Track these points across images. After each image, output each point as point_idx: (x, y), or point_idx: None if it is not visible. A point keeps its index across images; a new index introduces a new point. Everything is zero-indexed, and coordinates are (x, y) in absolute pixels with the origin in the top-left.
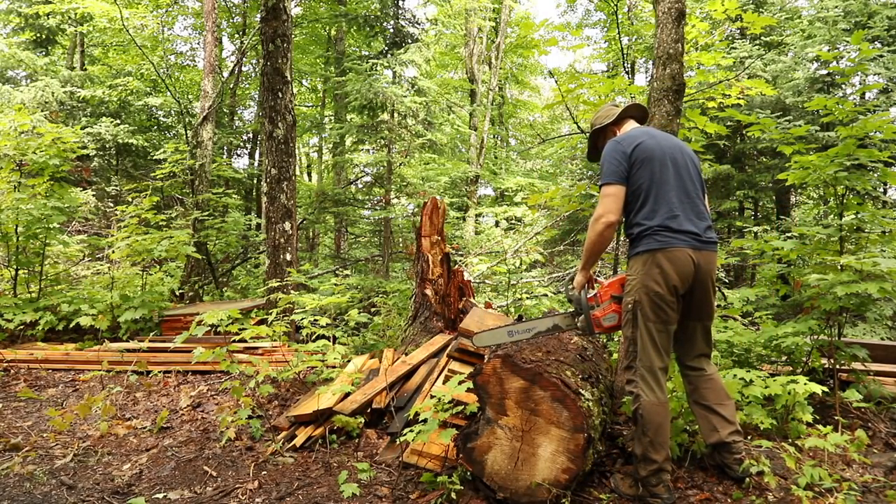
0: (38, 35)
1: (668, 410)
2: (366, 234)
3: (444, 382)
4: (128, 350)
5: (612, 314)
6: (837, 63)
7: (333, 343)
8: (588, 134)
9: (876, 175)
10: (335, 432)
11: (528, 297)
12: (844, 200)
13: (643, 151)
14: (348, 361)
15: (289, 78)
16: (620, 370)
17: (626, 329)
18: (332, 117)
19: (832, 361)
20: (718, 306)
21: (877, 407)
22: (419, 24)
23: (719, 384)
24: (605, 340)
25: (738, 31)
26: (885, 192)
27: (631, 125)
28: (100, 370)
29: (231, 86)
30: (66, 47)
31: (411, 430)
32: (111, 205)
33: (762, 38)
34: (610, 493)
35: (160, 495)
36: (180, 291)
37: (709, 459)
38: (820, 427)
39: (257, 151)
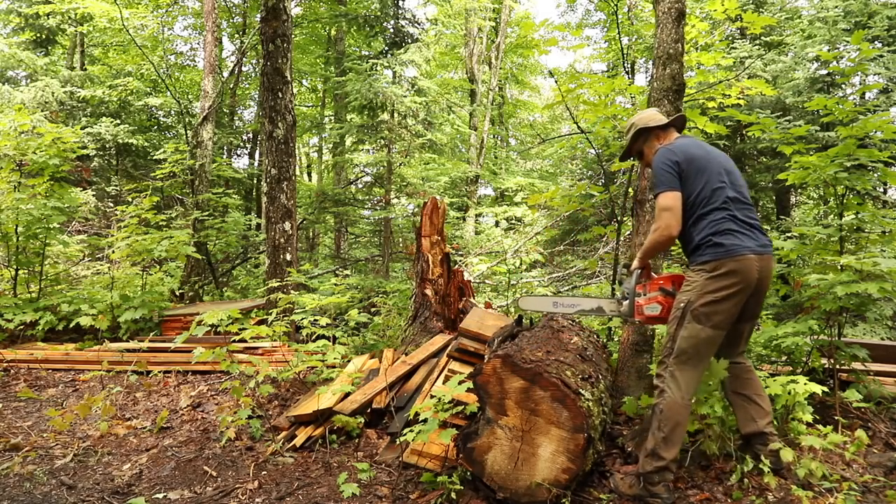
0: (38, 35)
1: (688, 413)
2: (366, 234)
3: (444, 382)
4: (128, 350)
5: (656, 304)
6: (837, 63)
7: (333, 343)
8: (630, 133)
9: (876, 175)
10: (335, 432)
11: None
12: (844, 200)
13: (697, 160)
14: (348, 361)
15: (289, 78)
16: (620, 370)
17: (671, 325)
18: (332, 117)
19: (832, 361)
20: None
21: (877, 407)
22: (419, 24)
23: (755, 376)
24: (605, 340)
25: (738, 31)
26: (885, 192)
27: (674, 135)
28: (100, 370)
29: (231, 86)
30: (66, 47)
31: (411, 430)
32: (111, 205)
33: (762, 38)
34: (609, 493)
35: (160, 495)
36: (180, 291)
37: (740, 451)
38: (820, 427)
39: (257, 151)
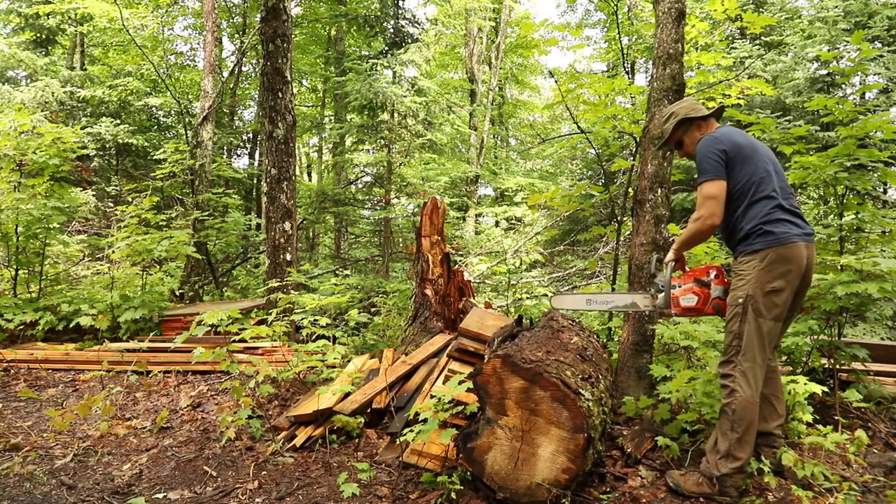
0: (38, 35)
1: (758, 410)
2: (366, 234)
3: (444, 382)
4: (128, 350)
5: (692, 295)
6: (837, 63)
7: (333, 343)
8: (671, 122)
9: (876, 175)
10: (335, 432)
11: (528, 297)
12: (844, 200)
13: (744, 149)
14: (348, 361)
15: (289, 78)
16: (620, 370)
17: (732, 322)
18: (332, 117)
19: (832, 361)
20: None
21: (877, 407)
22: (419, 24)
23: (779, 376)
24: (605, 340)
25: (738, 31)
26: (885, 192)
27: (715, 125)
28: (100, 370)
29: (231, 86)
30: (66, 47)
31: (411, 430)
32: (111, 205)
33: (762, 38)
34: (609, 493)
35: (160, 495)
36: (180, 291)
37: None
38: (820, 427)
39: (257, 151)
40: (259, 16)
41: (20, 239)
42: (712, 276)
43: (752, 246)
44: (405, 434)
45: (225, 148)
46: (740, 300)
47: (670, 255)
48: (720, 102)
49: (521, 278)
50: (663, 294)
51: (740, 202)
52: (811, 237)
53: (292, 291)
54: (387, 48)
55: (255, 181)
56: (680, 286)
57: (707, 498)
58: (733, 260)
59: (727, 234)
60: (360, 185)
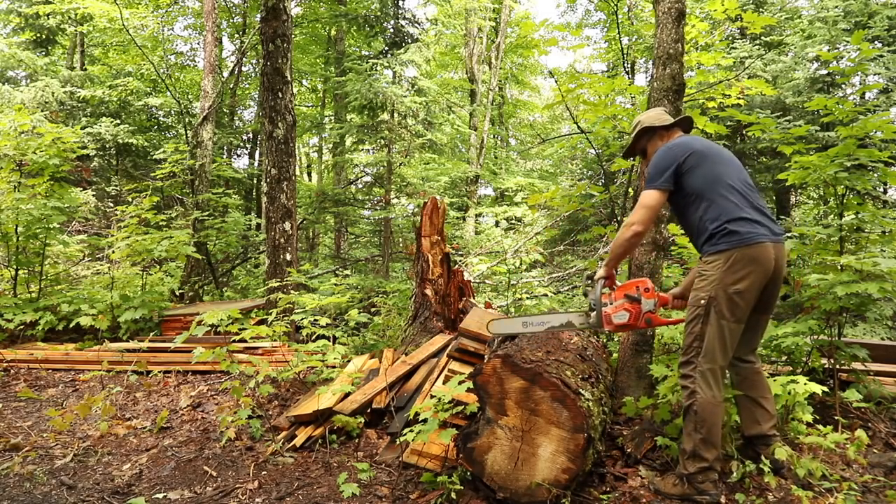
0: (38, 35)
1: (723, 410)
2: (366, 234)
3: (444, 382)
4: (128, 350)
5: (623, 312)
6: (837, 63)
7: (333, 343)
8: (635, 130)
9: (876, 175)
10: (335, 432)
11: (528, 297)
12: (844, 200)
13: (698, 153)
14: (348, 361)
15: (289, 78)
16: (620, 370)
17: (693, 324)
18: (332, 117)
19: (832, 361)
20: None
21: (877, 407)
22: (419, 24)
23: (764, 377)
24: (604, 340)
25: (738, 31)
26: (885, 192)
27: (678, 135)
28: (100, 370)
29: (231, 86)
30: (66, 47)
31: (411, 430)
32: (111, 205)
33: (762, 38)
34: (609, 493)
35: (160, 495)
36: (180, 291)
37: (742, 452)
38: (820, 427)
39: (257, 151)
40: (259, 16)
41: (20, 239)
42: (641, 290)
43: (717, 246)
44: (405, 434)
45: (225, 148)
46: (703, 301)
47: (601, 273)
48: (720, 102)
49: (521, 278)
50: (595, 312)
51: (700, 202)
52: (780, 237)
53: (292, 291)
54: (387, 48)
55: (255, 181)
56: (612, 303)
57: (686, 498)
58: (699, 260)
59: (693, 236)
60: (360, 185)
